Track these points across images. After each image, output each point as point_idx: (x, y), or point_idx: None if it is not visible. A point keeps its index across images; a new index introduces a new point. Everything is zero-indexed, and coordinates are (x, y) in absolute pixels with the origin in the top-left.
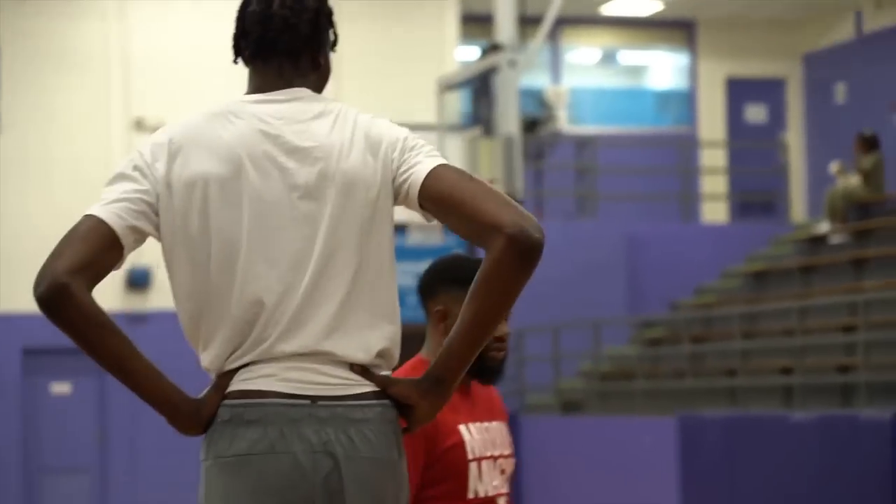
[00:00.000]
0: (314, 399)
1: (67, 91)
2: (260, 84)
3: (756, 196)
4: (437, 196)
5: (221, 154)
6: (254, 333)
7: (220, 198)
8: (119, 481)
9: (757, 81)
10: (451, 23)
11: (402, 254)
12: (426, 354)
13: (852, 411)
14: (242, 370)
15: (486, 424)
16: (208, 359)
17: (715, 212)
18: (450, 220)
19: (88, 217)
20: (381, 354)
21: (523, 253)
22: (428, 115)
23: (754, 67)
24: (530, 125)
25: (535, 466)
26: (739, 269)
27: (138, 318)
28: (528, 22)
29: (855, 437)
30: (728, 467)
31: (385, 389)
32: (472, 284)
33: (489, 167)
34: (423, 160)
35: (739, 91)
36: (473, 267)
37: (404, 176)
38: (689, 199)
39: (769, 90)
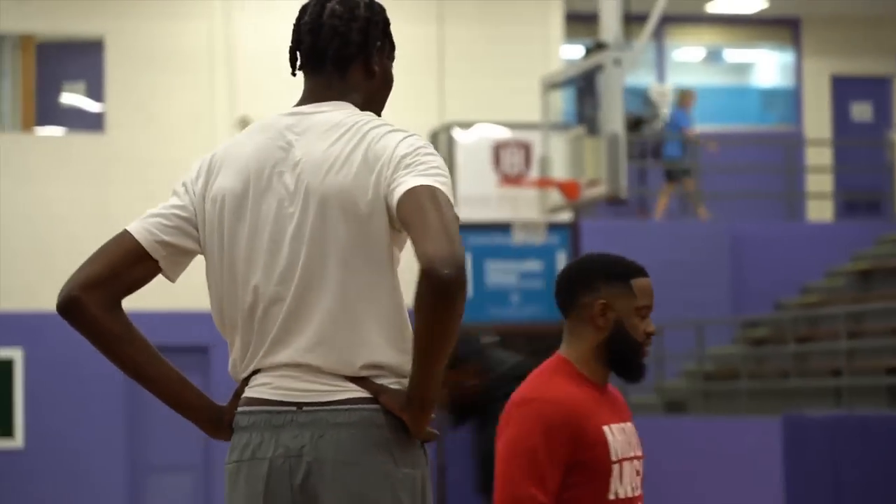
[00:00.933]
0: (300, 405)
1: (172, 91)
2: (307, 95)
3: (861, 195)
4: (400, 219)
5: (238, 169)
6: (253, 344)
7: (232, 212)
8: (223, 479)
9: (863, 79)
10: (555, 21)
11: (506, 252)
12: (566, 352)
13: None
14: (252, 378)
15: (622, 425)
16: (229, 366)
17: (820, 210)
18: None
19: (122, 232)
20: (373, 367)
21: (432, 289)
22: (532, 114)
23: (860, 65)
24: (635, 124)
25: None
26: (845, 269)
27: None
28: (632, 20)
29: None
30: (833, 468)
31: (376, 397)
32: None
33: (593, 166)
34: (408, 179)
35: (845, 89)
36: (630, 264)
37: (390, 195)
38: (794, 197)
39: (875, 88)
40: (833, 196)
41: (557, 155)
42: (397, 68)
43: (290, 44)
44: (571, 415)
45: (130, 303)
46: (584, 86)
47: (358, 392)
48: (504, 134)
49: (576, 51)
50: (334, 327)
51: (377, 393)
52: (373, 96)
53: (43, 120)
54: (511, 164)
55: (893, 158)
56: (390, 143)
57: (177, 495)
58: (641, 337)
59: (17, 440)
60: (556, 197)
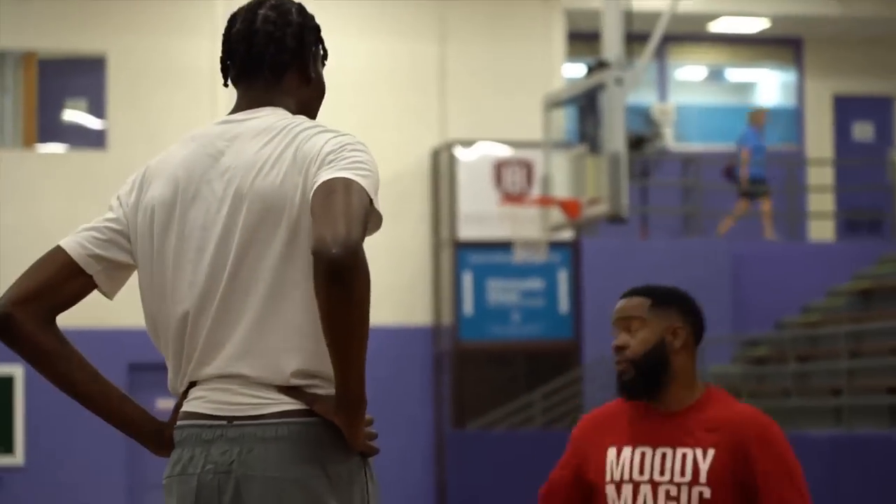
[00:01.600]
0: (231, 419)
1: (174, 108)
2: (241, 103)
3: (863, 214)
4: (311, 211)
5: (167, 178)
6: (184, 357)
7: (161, 222)
8: None
9: (864, 99)
10: (557, 40)
11: (508, 270)
12: None
13: None
14: (189, 391)
15: (650, 449)
16: (168, 380)
17: (821, 230)
18: None
19: (55, 247)
20: (304, 374)
21: (323, 270)
22: (534, 133)
23: (862, 85)
24: (636, 143)
25: None
26: (846, 288)
27: None
28: (634, 39)
29: None
30: (833, 488)
31: (310, 406)
32: None
33: (595, 185)
34: (324, 174)
35: (847, 109)
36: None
37: (310, 192)
38: (795, 217)
39: (877, 108)
40: (834, 215)
41: (559, 173)
42: (400, 86)
43: (220, 55)
44: (583, 433)
45: (105, 321)
46: (586, 104)
47: (289, 404)
48: (506, 152)
49: (578, 69)
50: (261, 334)
51: (311, 402)
52: (307, 103)
53: (45, 136)
54: (512, 182)
55: (894, 178)
56: (318, 142)
57: None
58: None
59: (18, 457)
60: (557, 215)
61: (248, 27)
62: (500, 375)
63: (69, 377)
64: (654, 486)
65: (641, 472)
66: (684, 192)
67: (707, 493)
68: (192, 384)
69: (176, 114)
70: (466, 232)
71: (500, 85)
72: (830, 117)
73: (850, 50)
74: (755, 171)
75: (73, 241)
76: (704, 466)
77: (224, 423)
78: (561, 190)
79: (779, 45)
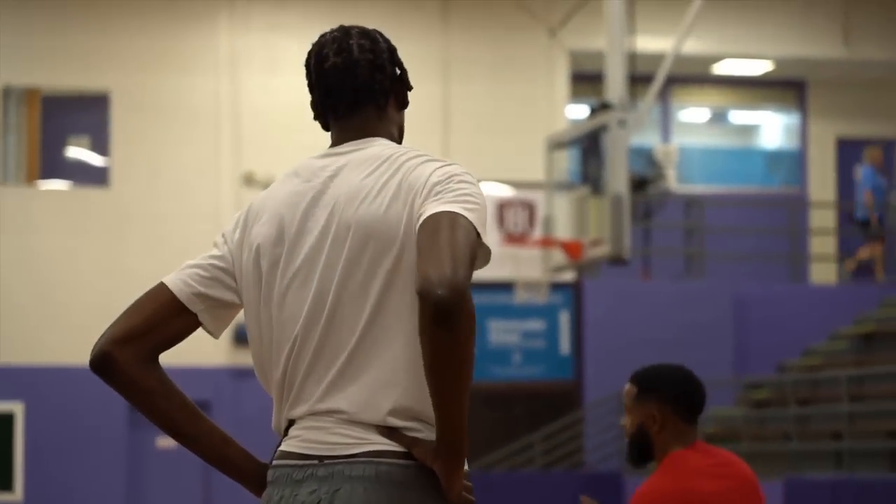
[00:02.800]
0: (322, 458)
1: (177, 145)
2: (341, 136)
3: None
4: (416, 246)
5: (272, 215)
6: (285, 394)
7: (268, 261)
8: None
9: (869, 141)
10: (561, 81)
11: (509, 311)
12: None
13: None
14: (289, 430)
15: None
16: (273, 420)
17: (824, 273)
18: None
19: (158, 285)
20: (402, 414)
21: (428, 312)
22: (537, 174)
23: (865, 128)
24: (639, 184)
25: None
26: (848, 331)
27: (245, 373)
28: (638, 80)
29: None
30: None
31: (409, 450)
32: None
33: (597, 226)
34: (432, 207)
35: (850, 151)
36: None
37: (417, 225)
38: (798, 259)
39: None
40: (837, 258)
41: (561, 214)
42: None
43: (312, 91)
44: None
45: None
46: (589, 146)
47: (384, 445)
48: (508, 193)
49: (581, 111)
50: (360, 367)
51: (410, 445)
52: (402, 127)
53: (48, 173)
54: (515, 222)
55: None
56: (425, 171)
57: None
58: None
59: (17, 494)
60: (559, 256)
61: (346, 59)
62: (500, 416)
63: (171, 417)
64: None
65: None
66: (686, 233)
67: None
68: (291, 423)
69: (179, 152)
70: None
71: (502, 125)
72: (833, 160)
73: (854, 93)
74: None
75: (177, 279)
76: None
77: (315, 462)
78: (563, 231)
79: (782, 87)
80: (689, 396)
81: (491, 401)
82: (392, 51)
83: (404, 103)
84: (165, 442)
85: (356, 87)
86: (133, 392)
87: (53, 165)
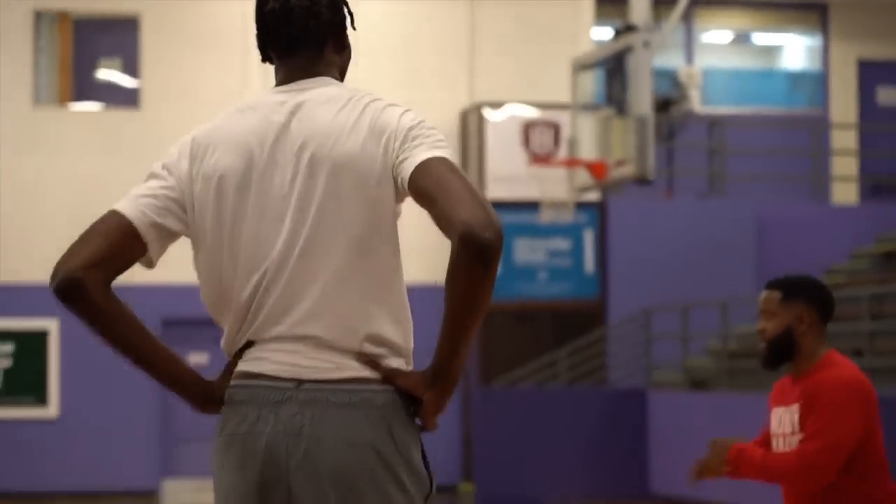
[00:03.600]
0: (300, 382)
1: (206, 70)
2: (285, 76)
3: (886, 178)
4: (419, 190)
5: (237, 146)
6: (250, 317)
7: (233, 189)
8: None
9: (890, 63)
10: (586, 3)
11: (535, 230)
12: None
13: None
14: (246, 352)
15: (780, 409)
16: (222, 341)
17: (845, 193)
18: (431, 214)
19: (112, 213)
20: (375, 341)
21: (471, 252)
22: (562, 95)
23: (887, 50)
24: (663, 105)
25: (662, 439)
26: (869, 250)
27: None
28: (661, 2)
29: None
30: None
31: (392, 380)
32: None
33: (621, 147)
34: (418, 152)
35: (871, 73)
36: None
37: (399, 167)
38: (819, 180)
39: None
40: (858, 179)
41: (586, 135)
42: (429, 48)
43: (256, 33)
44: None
45: (138, 277)
46: (614, 67)
47: (360, 371)
48: (533, 114)
49: (606, 33)
50: (336, 297)
51: (392, 376)
52: (343, 70)
53: (79, 95)
54: (540, 143)
55: None
56: (394, 115)
57: (206, 467)
58: None
59: (52, 410)
60: (584, 176)
61: (283, 5)
62: (526, 333)
63: (131, 342)
64: (780, 437)
65: (779, 426)
66: (710, 154)
67: (796, 441)
68: (249, 345)
69: (208, 74)
70: (494, 192)
71: (528, 47)
72: (855, 81)
73: (876, 15)
74: None
75: (134, 209)
76: (795, 419)
77: (291, 385)
78: (588, 151)
79: (804, 9)
80: (830, 300)
81: (517, 318)
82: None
83: (343, 47)
84: (197, 358)
85: (290, 33)
86: (99, 317)
87: (85, 87)
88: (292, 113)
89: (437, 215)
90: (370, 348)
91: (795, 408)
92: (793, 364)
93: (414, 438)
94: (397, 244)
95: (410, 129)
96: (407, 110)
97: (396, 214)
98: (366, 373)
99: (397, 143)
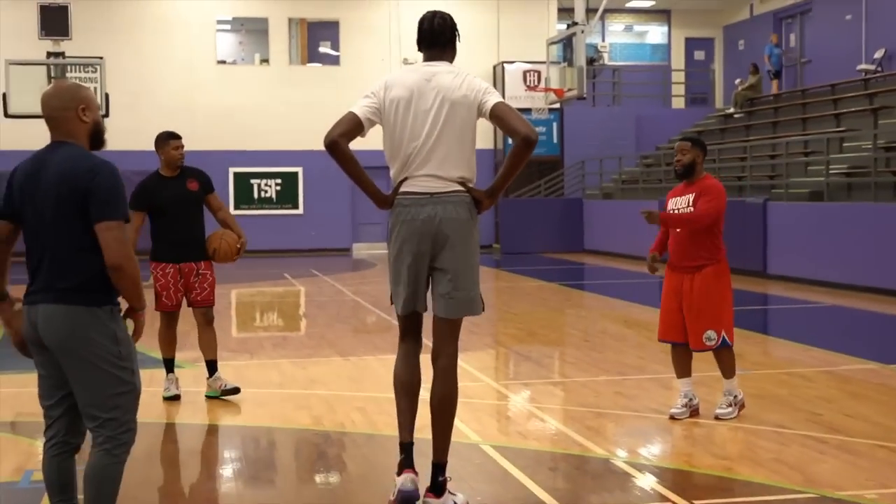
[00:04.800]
0: (432, 194)
1: (368, 48)
2: (427, 58)
3: (699, 95)
4: (495, 115)
5: (405, 87)
6: (408, 164)
7: (404, 107)
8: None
9: (703, 38)
10: (552, 10)
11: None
12: None
13: None
14: (404, 183)
15: (677, 197)
16: (392, 175)
17: (679, 102)
18: (501, 127)
19: (350, 112)
20: (461, 178)
21: (526, 146)
22: (542, 57)
23: (700, 31)
24: (590, 61)
25: (596, 223)
26: (690, 131)
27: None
28: (591, 10)
29: None
30: None
31: (469, 191)
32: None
33: (570, 81)
34: (491, 99)
35: (692, 44)
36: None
37: (483, 105)
38: (666, 97)
39: None
40: (685, 94)
41: (554, 76)
42: (479, 34)
43: (417, 36)
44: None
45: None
46: (567, 42)
47: (457, 188)
48: (528, 66)
49: (563, 26)
50: (447, 158)
51: (471, 190)
52: (452, 60)
53: (311, 59)
54: (531, 81)
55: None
56: (476, 82)
57: (376, 237)
58: None
59: (301, 210)
60: (552, 96)
61: (431, 26)
62: (525, 172)
63: (359, 174)
64: (677, 210)
65: (675, 206)
66: (613, 85)
67: (690, 209)
68: (404, 180)
69: (370, 51)
70: (510, 104)
71: (525, 33)
72: (683, 48)
73: (693, 13)
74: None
75: (361, 109)
76: (690, 200)
77: (428, 196)
78: (555, 84)
79: (659, 12)
80: (707, 149)
81: None
82: (454, 27)
83: (453, 48)
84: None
85: (431, 38)
86: (346, 163)
87: (312, 55)
88: (432, 75)
89: (505, 128)
90: (461, 179)
91: (690, 198)
92: (689, 178)
93: (476, 216)
94: (475, 136)
95: (486, 89)
96: (481, 81)
97: (475, 125)
98: (461, 188)
99: (480, 94)
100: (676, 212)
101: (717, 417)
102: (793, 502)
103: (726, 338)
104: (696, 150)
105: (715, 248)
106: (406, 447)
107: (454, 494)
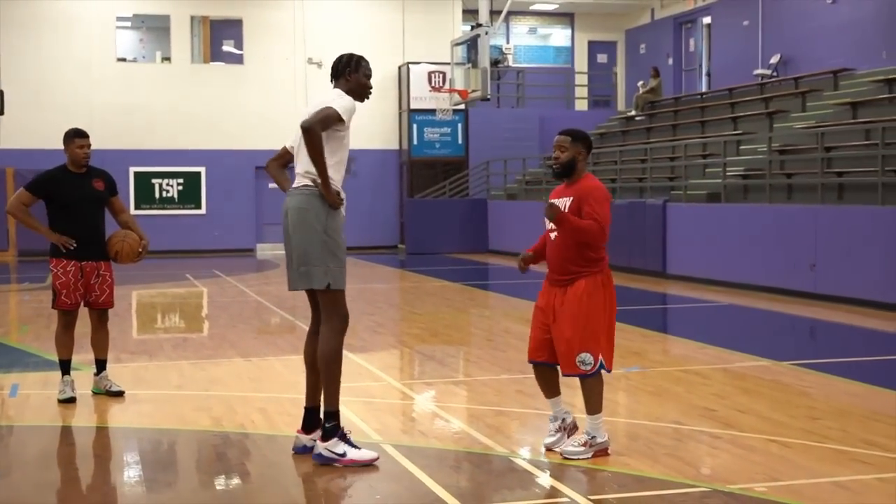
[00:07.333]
0: (293, 188)
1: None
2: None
3: (601, 97)
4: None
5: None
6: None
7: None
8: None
9: (605, 42)
10: (458, 12)
11: (434, 123)
12: None
13: None
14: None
15: (556, 200)
16: (331, 174)
17: (581, 104)
18: None
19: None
20: (309, 173)
21: (304, 131)
22: (447, 58)
23: (602, 35)
24: (494, 63)
25: (500, 222)
26: (594, 132)
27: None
28: (495, 13)
29: None
30: None
31: (316, 185)
32: None
33: (475, 82)
34: (321, 107)
35: (595, 48)
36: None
37: None
38: (569, 98)
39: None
40: (588, 96)
41: (458, 77)
42: (384, 34)
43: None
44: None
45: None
46: (472, 44)
47: (305, 181)
48: (434, 67)
49: (467, 27)
50: (303, 159)
51: (317, 184)
52: (350, 89)
53: (214, 58)
54: (436, 81)
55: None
56: (330, 97)
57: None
58: None
59: (203, 210)
60: (457, 97)
61: (335, 65)
62: (429, 173)
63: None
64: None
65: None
66: (517, 86)
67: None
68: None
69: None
70: (415, 105)
71: (430, 34)
72: (587, 52)
73: (594, 19)
74: None
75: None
76: (567, 204)
77: (290, 189)
78: (459, 85)
79: (563, 15)
80: (591, 143)
81: (426, 166)
82: (347, 63)
83: (345, 80)
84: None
85: (333, 73)
86: (316, 147)
87: (216, 54)
88: (321, 94)
89: None
90: (309, 175)
91: (568, 201)
92: (569, 178)
93: (325, 208)
94: (330, 140)
95: (329, 100)
96: (336, 97)
97: (329, 131)
98: (308, 183)
99: (322, 104)
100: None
101: (562, 454)
102: (686, 496)
103: (604, 363)
104: (578, 145)
105: (588, 260)
106: (306, 410)
107: (346, 445)
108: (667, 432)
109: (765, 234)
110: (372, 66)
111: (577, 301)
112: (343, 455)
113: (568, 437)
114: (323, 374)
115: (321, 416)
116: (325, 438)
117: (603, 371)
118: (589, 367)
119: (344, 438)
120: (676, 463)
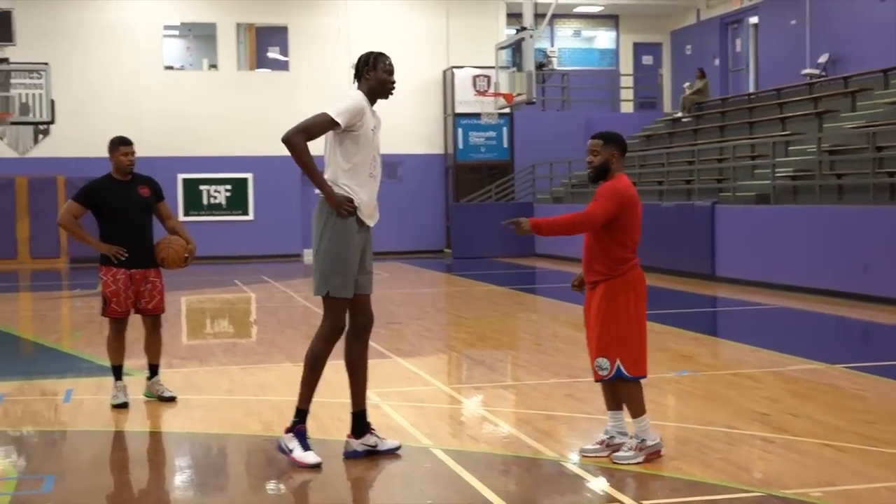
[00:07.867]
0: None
1: (314, 56)
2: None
3: (647, 100)
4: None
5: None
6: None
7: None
8: None
9: (650, 43)
10: (502, 16)
11: (479, 127)
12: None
13: None
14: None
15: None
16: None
17: (627, 107)
18: None
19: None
20: (329, 179)
21: (285, 143)
22: (492, 62)
23: (648, 37)
24: (540, 66)
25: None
26: (639, 134)
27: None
28: (539, 16)
29: None
30: None
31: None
32: None
33: (520, 86)
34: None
35: (640, 49)
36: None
37: None
38: (614, 101)
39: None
40: (633, 99)
41: (503, 81)
42: (430, 39)
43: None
44: None
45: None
46: (516, 47)
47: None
48: (479, 71)
49: (512, 31)
50: (325, 166)
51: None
52: (371, 87)
53: (259, 65)
54: (481, 85)
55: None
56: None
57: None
58: None
59: (251, 217)
60: (501, 101)
61: (355, 68)
62: (476, 177)
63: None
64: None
65: None
66: (562, 89)
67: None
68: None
69: (314, 59)
70: (460, 109)
71: (474, 38)
72: (632, 54)
73: (639, 20)
74: None
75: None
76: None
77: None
78: (504, 88)
79: (607, 17)
80: (626, 145)
81: (472, 170)
82: (366, 61)
83: (364, 80)
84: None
85: (355, 75)
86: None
87: (261, 61)
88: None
89: None
90: (329, 181)
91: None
92: (605, 181)
93: (330, 212)
94: (333, 142)
95: (335, 102)
96: (342, 98)
97: (331, 134)
98: (327, 187)
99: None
100: None
101: (612, 461)
102: (740, 501)
103: (622, 367)
104: (610, 147)
105: (614, 260)
106: (353, 415)
107: (296, 443)
108: (718, 436)
109: (815, 236)
110: (416, 70)
111: (596, 305)
112: (291, 452)
113: (610, 454)
114: (303, 373)
115: (367, 419)
116: (287, 430)
117: (631, 376)
118: (606, 373)
119: (300, 436)
120: (729, 467)
